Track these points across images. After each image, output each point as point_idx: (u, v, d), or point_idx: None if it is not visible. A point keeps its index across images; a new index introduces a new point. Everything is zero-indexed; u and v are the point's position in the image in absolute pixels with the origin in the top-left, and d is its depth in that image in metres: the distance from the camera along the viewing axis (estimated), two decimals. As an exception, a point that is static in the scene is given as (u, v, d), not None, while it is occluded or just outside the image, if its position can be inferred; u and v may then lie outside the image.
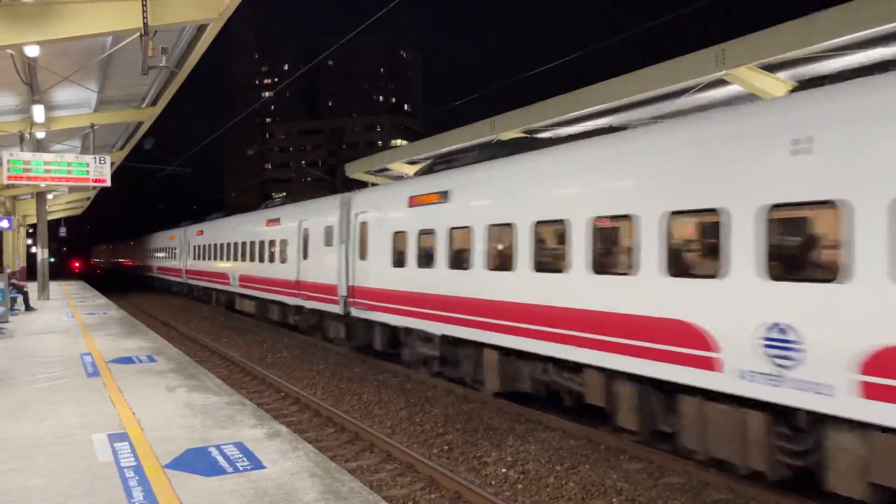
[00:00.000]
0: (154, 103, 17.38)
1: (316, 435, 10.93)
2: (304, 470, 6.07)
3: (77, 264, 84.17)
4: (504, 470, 9.07)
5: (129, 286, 55.28)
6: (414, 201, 14.00)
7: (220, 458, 6.42)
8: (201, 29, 10.84)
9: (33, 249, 37.53)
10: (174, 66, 12.05)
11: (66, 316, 21.53)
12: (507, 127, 15.32)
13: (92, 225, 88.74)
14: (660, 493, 8.11)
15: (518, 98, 16.47)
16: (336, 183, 35.31)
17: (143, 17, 8.94)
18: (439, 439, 10.52)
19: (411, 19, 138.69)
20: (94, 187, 26.36)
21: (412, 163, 21.07)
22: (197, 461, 6.35)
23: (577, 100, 13.44)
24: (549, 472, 8.88)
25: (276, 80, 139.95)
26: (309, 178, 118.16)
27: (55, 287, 36.93)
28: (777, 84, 10.98)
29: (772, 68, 10.86)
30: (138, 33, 9.32)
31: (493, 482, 8.71)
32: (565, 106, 13.72)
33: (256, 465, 6.24)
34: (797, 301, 6.60)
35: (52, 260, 43.42)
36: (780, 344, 6.75)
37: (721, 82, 11.45)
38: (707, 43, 11.05)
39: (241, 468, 6.15)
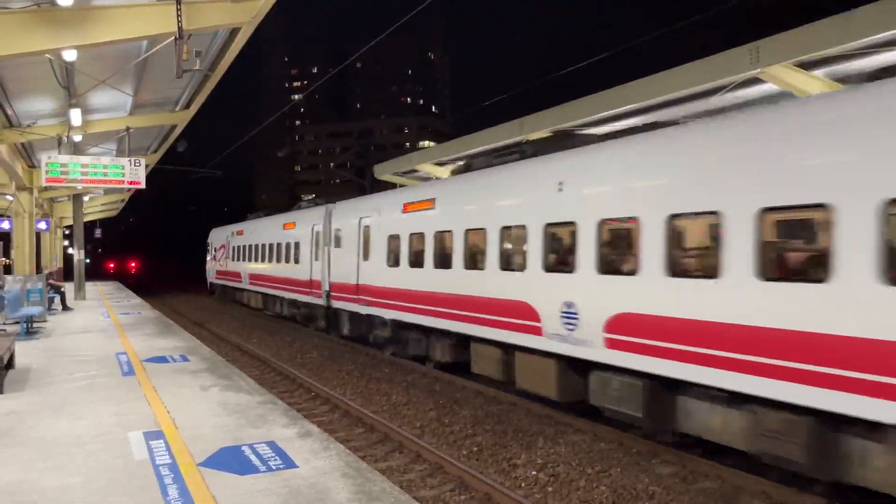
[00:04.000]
0: (187, 106, 17.63)
1: (346, 435, 10.99)
2: (335, 469, 6.10)
3: (111, 265, 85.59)
4: (534, 472, 9.03)
5: (162, 287, 56.13)
6: None
7: (253, 457, 6.48)
8: (233, 32, 10.98)
9: (70, 250, 38.34)
10: (207, 70, 12.22)
11: (102, 315, 21.94)
12: (536, 127, 15.24)
13: (126, 226, 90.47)
14: (693, 498, 8.00)
15: (547, 98, 16.39)
16: (366, 185, 35.42)
17: (178, 22, 9.08)
18: (468, 440, 10.51)
19: (438, 21, 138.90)
20: (129, 189, 26.84)
21: (441, 164, 21.08)
22: (230, 460, 6.42)
23: (607, 99, 13.32)
24: (580, 476, 8.81)
25: (305, 82, 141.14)
26: (338, 180, 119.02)
27: (91, 287, 37.67)
28: (812, 82, 10.77)
29: (807, 66, 10.65)
30: (173, 37, 9.48)
31: (522, 484, 8.67)
32: (595, 106, 13.61)
33: (289, 464, 6.28)
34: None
35: (88, 261, 43.06)
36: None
37: (755, 80, 11.26)
38: (740, 41, 10.88)
39: (273, 467, 6.20)
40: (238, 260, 33.06)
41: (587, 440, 10.32)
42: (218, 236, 38.87)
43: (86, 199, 32.59)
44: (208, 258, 41.97)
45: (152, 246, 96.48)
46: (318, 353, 19.19)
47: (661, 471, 8.93)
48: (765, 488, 8.08)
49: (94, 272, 59.66)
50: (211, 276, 41.45)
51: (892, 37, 8.63)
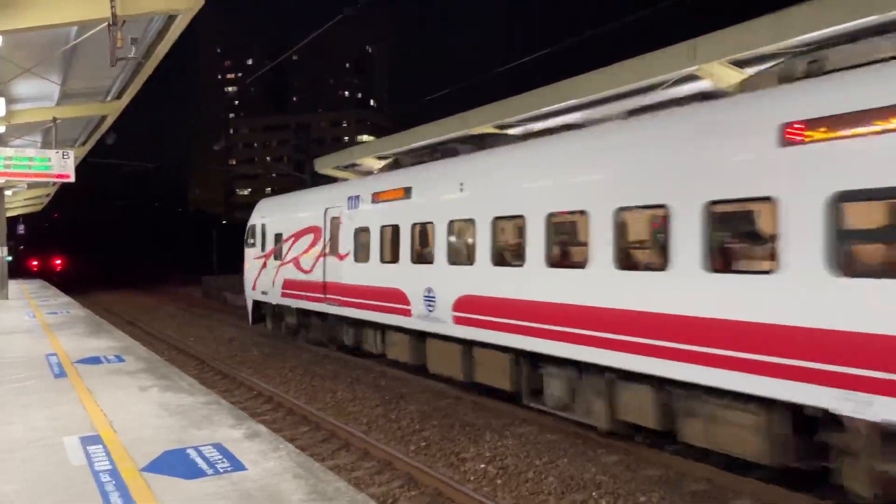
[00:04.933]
0: (119, 97, 16.93)
1: (291, 434, 10.80)
2: (286, 471, 5.96)
3: (34, 263, 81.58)
4: (483, 465, 9.08)
5: (91, 285, 54.07)
6: None
7: (199, 460, 6.27)
8: (170, 19, 10.58)
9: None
10: (142, 58, 11.74)
11: (28, 315, 20.93)
12: (480, 122, 15.25)
13: (51, 222, 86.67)
14: (639, 485, 8.18)
15: (489, 94, 16.48)
16: (307, 179, 33.70)
17: (112, 7, 8.68)
18: (416, 436, 10.49)
19: (377, 14, 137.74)
20: (55, 183, 25.69)
21: (382, 158, 20.91)
22: (175, 463, 6.20)
23: (549, 95, 13.44)
24: (529, 467, 8.90)
25: (239, 74, 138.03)
26: (274, 175, 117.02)
27: (14, 286, 35.93)
28: (743, 79, 11.12)
29: (741, 64, 11.01)
30: (106, 23, 9.05)
31: (472, 478, 8.71)
32: (538, 101, 13.72)
33: (237, 466, 6.11)
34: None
35: (10, 259, 39.87)
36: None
37: (693, 77, 11.55)
38: (681, 38, 11.15)
39: (221, 470, 6.01)
40: (386, 258, 14.29)
41: (534, 432, 10.42)
42: (283, 215, 19.83)
43: (8, 193, 30.97)
44: (251, 258, 21.62)
45: (80, 243, 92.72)
46: (259, 350, 18.82)
47: (606, 459, 9.10)
48: (707, 474, 8.32)
49: (17, 271, 56.99)
50: (262, 293, 20.70)
51: (823, 36, 8.97)
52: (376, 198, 14.82)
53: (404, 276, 13.40)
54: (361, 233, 15.16)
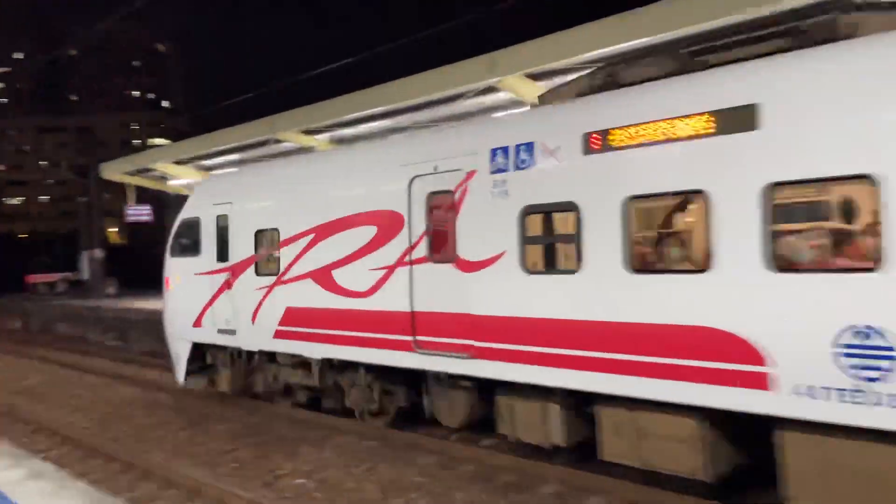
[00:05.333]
0: None
1: (82, 468, 9.75)
2: (79, 511, 5.36)
3: None
4: (301, 480, 8.85)
5: None
6: None
7: (-33, 511, 5.45)
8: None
9: None
10: None
11: None
12: (288, 126, 14.95)
13: None
14: (455, 482, 8.41)
15: (294, 99, 16.20)
16: (90, 184, 30.64)
17: None
18: (227, 457, 9.98)
19: (169, 9, 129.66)
20: None
21: (181, 162, 19.71)
22: (-64, 518, 5.33)
23: (358, 101, 13.51)
24: (348, 477, 8.82)
25: (7, 69, 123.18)
26: (52, 181, 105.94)
27: None
28: (538, 91, 11.97)
29: (536, 77, 11.85)
30: None
31: (289, 494, 8.44)
32: (346, 107, 13.73)
33: (17, 512, 5.38)
34: None
35: None
36: None
37: (492, 89, 12.19)
38: (487, 50, 11.73)
39: (-3, 519, 5.27)
40: (649, 263, 7.31)
41: (352, 441, 10.33)
42: (279, 196, 11.54)
43: None
44: (188, 273, 12.89)
45: None
46: (41, 377, 16.86)
47: (424, 461, 9.25)
48: (518, 465, 8.74)
49: None
50: (222, 332, 12.19)
51: (605, 54, 9.89)
52: (597, 142, 7.33)
53: (738, 300, 6.28)
54: (541, 217, 8.11)
